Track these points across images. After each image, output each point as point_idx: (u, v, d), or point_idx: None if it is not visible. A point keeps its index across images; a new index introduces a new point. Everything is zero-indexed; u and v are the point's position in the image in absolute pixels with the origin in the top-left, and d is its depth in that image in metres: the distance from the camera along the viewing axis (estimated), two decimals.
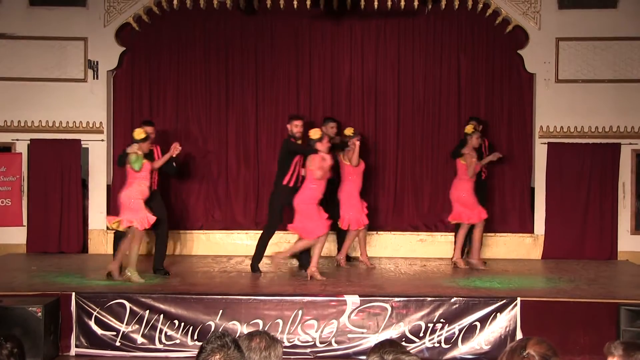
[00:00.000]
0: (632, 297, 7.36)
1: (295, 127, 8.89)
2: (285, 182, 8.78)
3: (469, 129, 9.22)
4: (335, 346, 7.17)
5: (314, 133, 8.52)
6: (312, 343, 7.15)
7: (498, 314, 7.15)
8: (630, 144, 10.41)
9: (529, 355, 2.75)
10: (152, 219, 8.15)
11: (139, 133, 8.36)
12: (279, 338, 3.20)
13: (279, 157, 9.06)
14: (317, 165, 8.29)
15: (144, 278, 8.17)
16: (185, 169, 10.78)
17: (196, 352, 7.65)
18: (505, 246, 10.40)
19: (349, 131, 9.33)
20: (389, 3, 9.82)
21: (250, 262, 8.95)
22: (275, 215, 8.94)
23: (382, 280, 8.61)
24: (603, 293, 7.79)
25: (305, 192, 8.39)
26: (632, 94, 10.43)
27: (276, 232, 9.10)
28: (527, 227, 10.58)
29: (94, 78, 10.61)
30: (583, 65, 10.44)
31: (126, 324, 7.18)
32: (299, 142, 8.87)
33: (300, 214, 8.39)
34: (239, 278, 8.67)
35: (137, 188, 8.18)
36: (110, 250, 10.40)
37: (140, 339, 7.18)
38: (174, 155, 8.67)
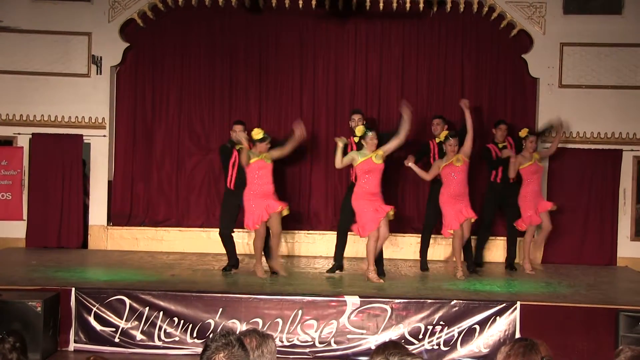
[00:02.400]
0: (631, 303, 7.35)
1: (352, 121, 9.01)
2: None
3: (523, 132, 9.38)
4: (334, 346, 7.18)
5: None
6: (312, 343, 7.16)
7: (497, 317, 7.15)
8: (632, 150, 10.42)
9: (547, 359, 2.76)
10: (258, 221, 8.28)
11: (257, 133, 8.38)
12: (273, 335, 3.19)
13: None
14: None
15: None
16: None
17: (195, 350, 7.60)
18: (505, 250, 10.37)
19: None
20: (395, 5, 9.84)
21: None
22: None
23: (382, 281, 8.58)
24: (602, 299, 7.79)
25: (354, 189, 8.40)
26: (635, 101, 10.43)
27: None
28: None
29: (97, 73, 10.61)
30: (587, 71, 10.45)
31: (125, 321, 7.19)
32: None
33: (355, 211, 8.37)
34: (239, 276, 8.67)
35: (251, 187, 8.33)
36: (110, 247, 10.47)
37: (139, 336, 7.19)
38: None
